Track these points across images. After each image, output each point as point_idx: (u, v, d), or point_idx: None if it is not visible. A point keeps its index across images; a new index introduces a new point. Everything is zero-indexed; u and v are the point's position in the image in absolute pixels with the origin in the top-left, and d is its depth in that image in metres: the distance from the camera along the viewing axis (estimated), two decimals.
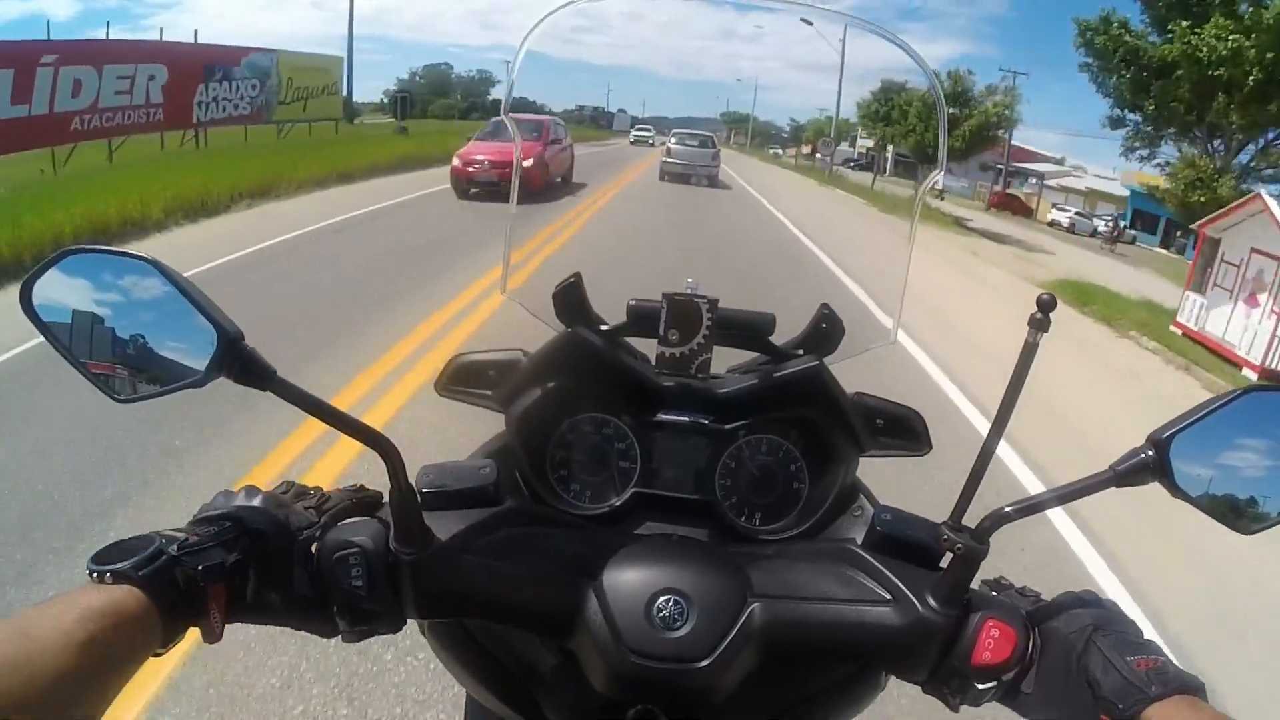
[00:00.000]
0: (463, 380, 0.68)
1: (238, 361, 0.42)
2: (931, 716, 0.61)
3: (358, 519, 0.50)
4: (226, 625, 0.45)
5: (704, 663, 0.46)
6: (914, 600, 0.47)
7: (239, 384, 0.42)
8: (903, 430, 0.68)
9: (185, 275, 0.43)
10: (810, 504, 0.65)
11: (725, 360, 0.70)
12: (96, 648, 0.36)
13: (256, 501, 0.49)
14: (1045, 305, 0.43)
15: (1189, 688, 0.41)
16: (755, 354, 0.71)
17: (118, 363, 0.43)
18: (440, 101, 62.86)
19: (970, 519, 0.48)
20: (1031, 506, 0.45)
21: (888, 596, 0.48)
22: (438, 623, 0.57)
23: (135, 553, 0.41)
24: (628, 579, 0.49)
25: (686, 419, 0.65)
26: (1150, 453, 0.43)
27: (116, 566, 0.40)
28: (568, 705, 0.54)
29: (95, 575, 0.40)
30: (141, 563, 0.41)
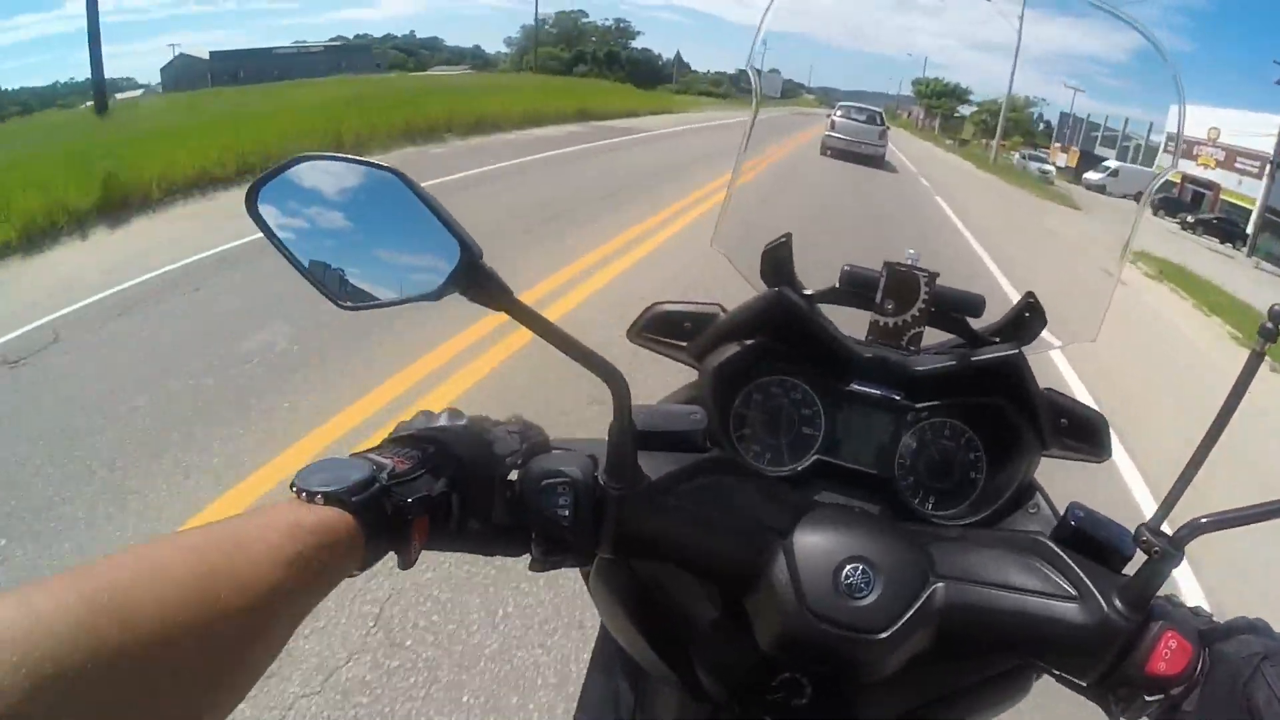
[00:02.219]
0: (658, 329, 0.76)
1: (476, 279, 0.46)
2: None
3: (562, 451, 0.57)
4: (423, 552, 0.50)
5: (882, 635, 0.51)
6: (1100, 600, 0.51)
7: (474, 302, 0.47)
8: (1085, 433, 0.71)
9: None
10: (985, 495, 0.70)
11: None
12: (303, 564, 0.40)
13: (463, 424, 0.55)
14: (1277, 316, 0.47)
15: None
16: (948, 335, 0.76)
17: (344, 269, 0.48)
18: (542, 51, 61.62)
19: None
20: (1230, 520, 0.49)
21: (1073, 593, 0.53)
22: (606, 561, 0.63)
23: (348, 477, 0.46)
24: (817, 542, 0.54)
25: (879, 392, 0.70)
26: None
27: (331, 489, 0.44)
28: (719, 660, 0.61)
29: (305, 495, 0.44)
30: (356, 488, 0.45)
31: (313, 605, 0.43)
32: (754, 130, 0.79)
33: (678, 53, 72.19)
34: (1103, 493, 3.47)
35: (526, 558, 0.56)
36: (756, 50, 0.75)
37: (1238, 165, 28.69)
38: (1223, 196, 29.22)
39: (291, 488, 0.45)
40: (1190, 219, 26.85)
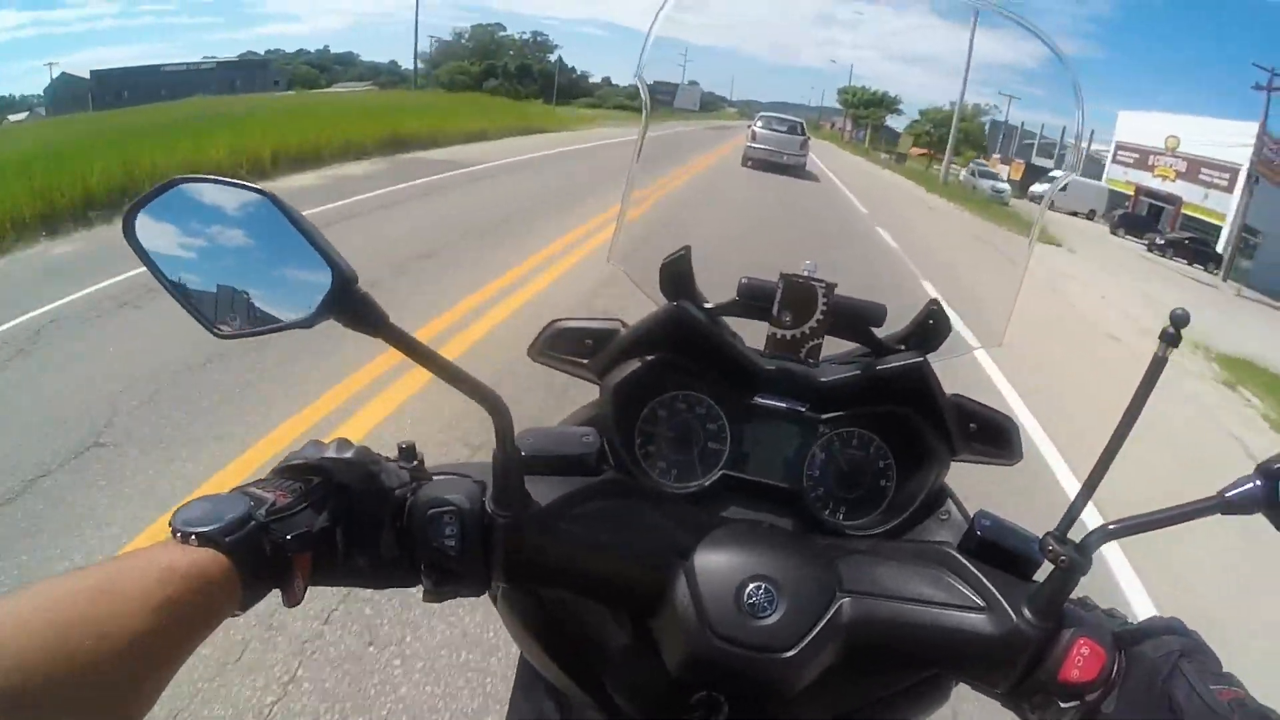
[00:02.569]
0: (559, 346, 0.75)
1: (350, 304, 0.45)
2: None
3: (451, 478, 0.56)
4: (309, 589, 0.50)
5: (788, 654, 0.52)
6: (1009, 610, 0.52)
7: (349, 328, 0.46)
8: (995, 437, 0.73)
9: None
10: (896, 504, 0.71)
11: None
12: (175, 609, 0.40)
13: (349, 455, 0.53)
14: (1178, 320, 0.48)
15: None
16: (853, 345, 0.77)
17: (222, 296, 0.47)
18: (451, 66, 60.41)
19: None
20: (1135, 526, 0.50)
21: (981, 604, 0.54)
22: (510, 587, 0.62)
23: (223, 514, 0.45)
24: (718, 562, 0.55)
25: (784, 405, 0.71)
26: (1259, 483, 0.48)
27: (203, 530, 0.44)
28: (633, 683, 0.60)
29: (180, 535, 0.44)
30: (229, 528, 0.45)
31: (192, 648, 0.42)
32: (661, 148, 0.78)
33: (559, 58, 69.02)
34: None
35: (421, 589, 0.55)
36: (650, 54, 0.74)
37: (1202, 177, 26.62)
38: (1185, 211, 27.42)
39: (169, 526, 0.45)
40: (1160, 240, 24.87)
